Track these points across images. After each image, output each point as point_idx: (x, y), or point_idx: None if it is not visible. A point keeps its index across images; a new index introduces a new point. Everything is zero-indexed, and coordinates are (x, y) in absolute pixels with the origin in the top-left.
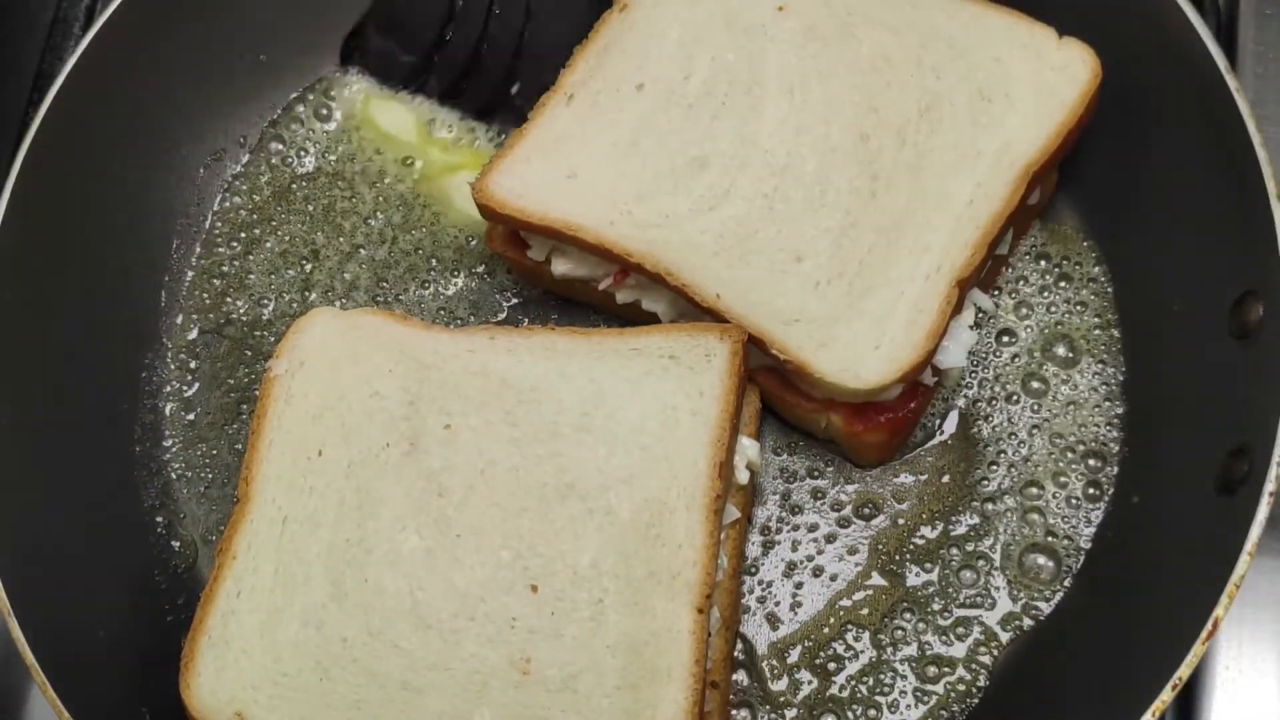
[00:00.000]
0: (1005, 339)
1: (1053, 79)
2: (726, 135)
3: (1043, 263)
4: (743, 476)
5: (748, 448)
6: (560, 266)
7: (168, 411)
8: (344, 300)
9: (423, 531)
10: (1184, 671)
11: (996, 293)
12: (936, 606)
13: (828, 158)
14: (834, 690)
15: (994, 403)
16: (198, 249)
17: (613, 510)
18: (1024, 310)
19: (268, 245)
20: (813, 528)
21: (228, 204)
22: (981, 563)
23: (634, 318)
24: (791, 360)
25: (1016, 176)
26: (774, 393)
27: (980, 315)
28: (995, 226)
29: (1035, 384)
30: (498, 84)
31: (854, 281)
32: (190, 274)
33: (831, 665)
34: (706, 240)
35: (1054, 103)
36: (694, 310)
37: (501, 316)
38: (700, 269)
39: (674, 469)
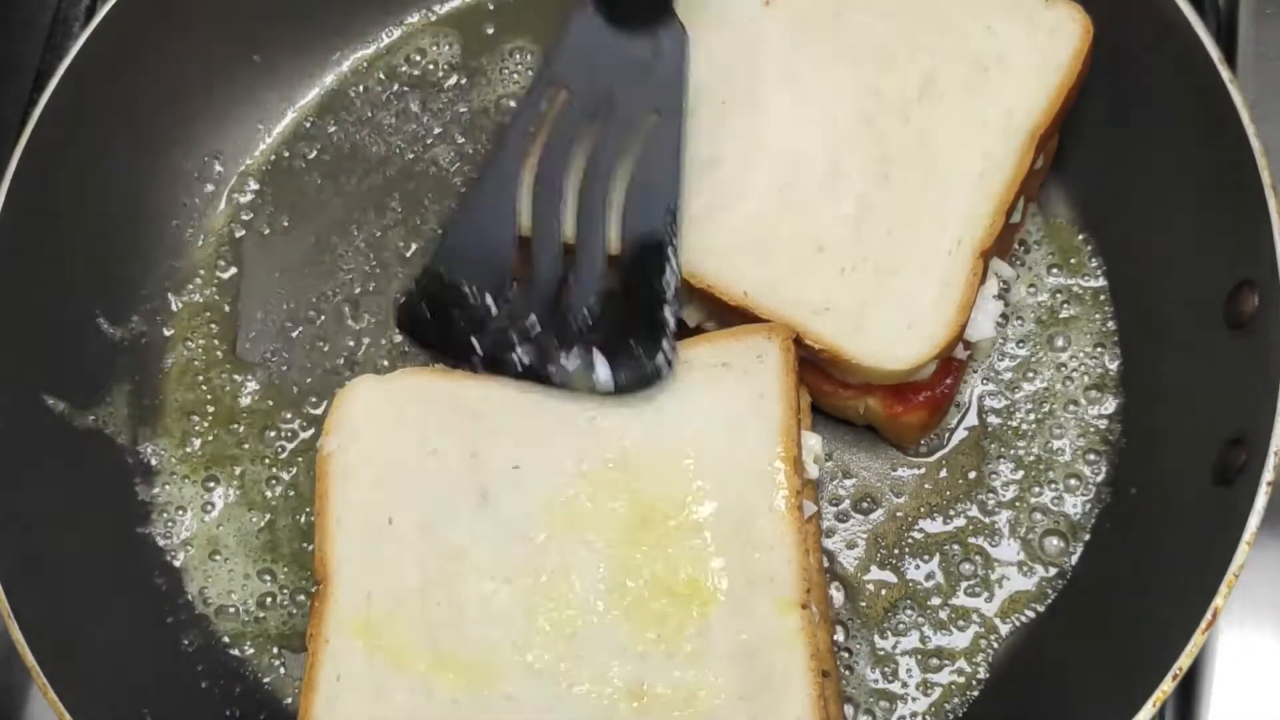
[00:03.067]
0: (1001, 331)
1: (1045, 41)
2: (733, 134)
3: (1039, 255)
4: (812, 471)
5: (810, 441)
6: None
7: (165, 411)
8: (350, 308)
9: (511, 580)
10: (1184, 661)
11: (1014, 260)
12: (936, 600)
13: (835, 145)
14: (841, 684)
15: (991, 395)
16: (195, 248)
17: (697, 525)
18: (1020, 303)
19: (265, 246)
20: None
21: (225, 203)
22: (980, 555)
23: None
24: (827, 349)
25: (1024, 142)
26: (808, 383)
27: (1003, 283)
28: (1009, 194)
29: (1031, 375)
30: None
31: (878, 264)
32: (187, 272)
33: (838, 658)
34: (726, 239)
35: (1050, 64)
36: (721, 311)
37: None
38: (724, 268)
39: (748, 474)
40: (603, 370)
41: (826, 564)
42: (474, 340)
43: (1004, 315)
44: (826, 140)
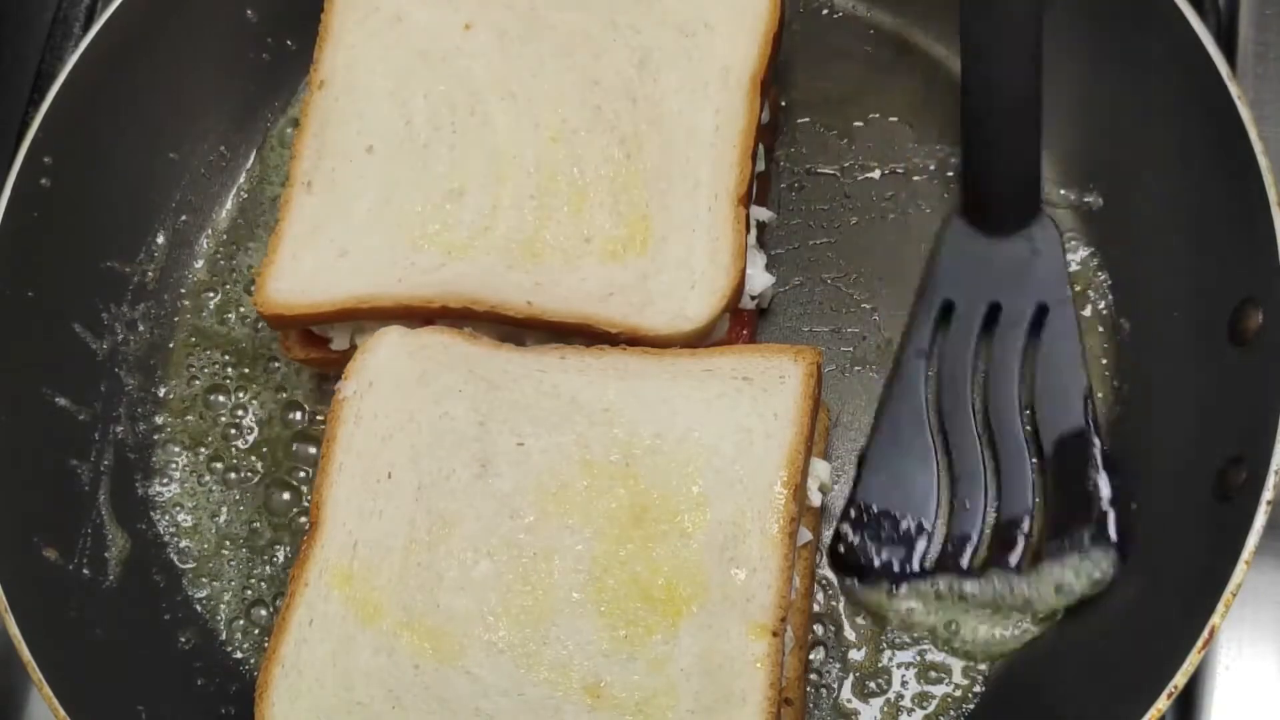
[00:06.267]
0: None
1: None
2: (472, 158)
3: None
4: (815, 498)
5: (819, 468)
6: None
7: (167, 408)
8: None
9: (494, 555)
10: (1180, 680)
11: (772, 205)
12: None
13: (572, 140)
14: (836, 696)
15: None
16: (201, 245)
17: (686, 533)
18: None
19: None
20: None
21: (229, 204)
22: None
23: None
24: (623, 330)
25: (747, 91)
26: None
27: (763, 228)
28: (748, 141)
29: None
30: None
31: (646, 238)
32: (192, 270)
33: (831, 671)
34: (495, 259)
35: (750, 16)
36: (518, 332)
37: None
38: (501, 287)
39: (748, 492)
40: (1054, 576)
41: (829, 583)
42: (911, 563)
43: None
44: (562, 138)
